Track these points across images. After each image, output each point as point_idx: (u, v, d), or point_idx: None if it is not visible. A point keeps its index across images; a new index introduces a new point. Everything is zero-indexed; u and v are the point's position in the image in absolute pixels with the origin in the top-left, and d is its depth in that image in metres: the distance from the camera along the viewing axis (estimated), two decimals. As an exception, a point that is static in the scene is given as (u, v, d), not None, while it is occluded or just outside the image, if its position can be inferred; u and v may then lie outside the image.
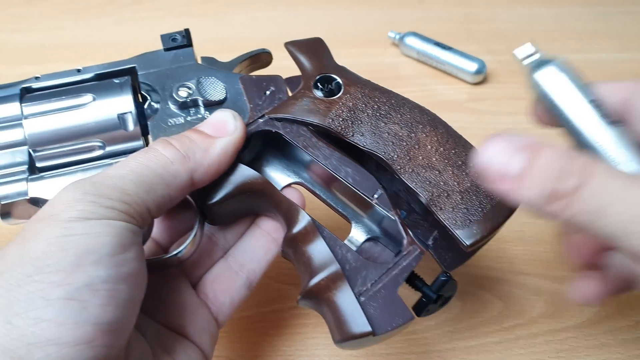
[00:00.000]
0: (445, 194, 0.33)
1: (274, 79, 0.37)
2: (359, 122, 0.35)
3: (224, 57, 0.72)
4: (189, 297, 0.35)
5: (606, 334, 0.45)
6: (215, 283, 0.37)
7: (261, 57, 0.40)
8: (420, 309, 0.33)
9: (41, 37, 0.76)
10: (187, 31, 0.38)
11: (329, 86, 0.37)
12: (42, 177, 0.33)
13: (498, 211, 0.33)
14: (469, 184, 0.33)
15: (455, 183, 0.33)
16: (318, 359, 0.43)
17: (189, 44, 0.37)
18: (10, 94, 0.34)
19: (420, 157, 0.34)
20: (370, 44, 0.75)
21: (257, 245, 0.38)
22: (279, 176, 0.36)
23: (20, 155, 0.33)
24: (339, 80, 0.37)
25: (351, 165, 0.35)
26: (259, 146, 0.36)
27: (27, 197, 0.32)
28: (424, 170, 0.34)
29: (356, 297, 0.30)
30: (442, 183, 0.33)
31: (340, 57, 0.73)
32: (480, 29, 0.77)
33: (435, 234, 0.36)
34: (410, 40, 0.71)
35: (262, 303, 0.46)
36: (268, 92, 0.36)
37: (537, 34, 0.76)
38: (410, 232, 0.33)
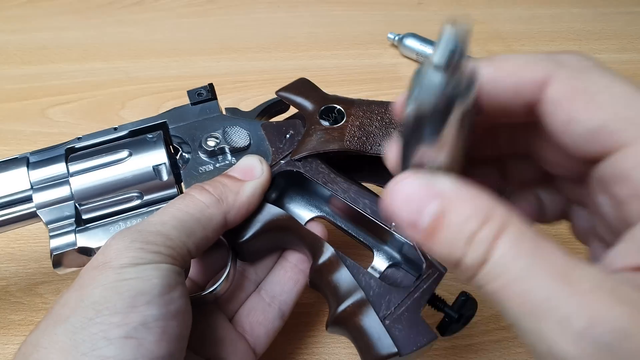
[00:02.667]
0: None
1: (292, 124, 0.40)
2: (372, 135, 0.38)
3: (224, 57, 0.73)
4: (227, 331, 0.38)
5: (604, 333, 0.45)
6: (251, 316, 0.39)
7: (278, 105, 0.44)
8: (444, 328, 0.34)
9: (42, 38, 0.76)
10: (211, 85, 0.41)
11: (333, 115, 0.40)
12: (87, 228, 0.36)
13: None
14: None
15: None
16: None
17: (213, 97, 0.41)
18: (57, 155, 0.38)
19: None
20: (369, 45, 0.75)
21: (286, 277, 0.40)
22: (302, 211, 0.39)
23: (68, 209, 0.36)
24: (339, 107, 0.40)
25: (369, 197, 0.37)
26: (282, 185, 0.39)
27: (76, 247, 0.35)
28: None
29: (381, 321, 0.32)
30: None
31: (340, 57, 0.74)
32: (478, 29, 0.77)
33: None
34: (410, 41, 0.71)
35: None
36: (288, 136, 0.39)
37: (536, 34, 0.76)
38: (428, 256, 0.34)
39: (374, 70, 0.71)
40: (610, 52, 0.72)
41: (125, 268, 0.29)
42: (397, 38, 0.72)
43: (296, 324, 0.45)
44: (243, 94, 0.67)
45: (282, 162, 0.38)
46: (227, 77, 0.69)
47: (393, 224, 0.35)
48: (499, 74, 0.24)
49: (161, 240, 0.30)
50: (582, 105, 0.22)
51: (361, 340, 0.33)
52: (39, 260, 0.50)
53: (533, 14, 0.79)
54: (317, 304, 0.47)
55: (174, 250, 0.31)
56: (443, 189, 0.21)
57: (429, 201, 0.21)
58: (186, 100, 0.41)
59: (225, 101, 0.50)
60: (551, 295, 0.18)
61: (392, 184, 0.23)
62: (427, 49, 0.70)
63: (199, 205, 0.33)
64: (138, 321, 0.27)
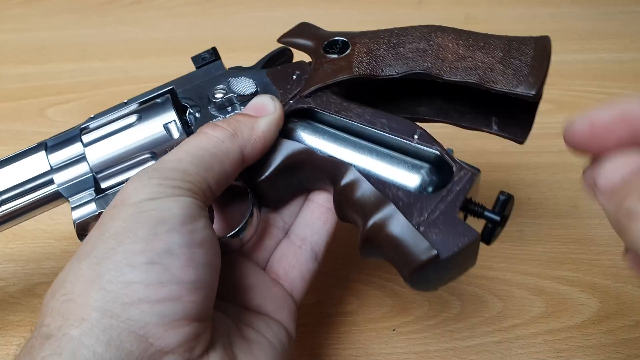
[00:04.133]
0: (489, 70, 0.34)
1: (298, 65, 0.40)
2: (381, 58, 0.37)
3: (224, 57, 0.73)
4: (261, 278, 0.37)
5: (606, 334, 0.45)
6: (283, 261, 0.38)
7: (282, 55, 0.43)
8: (489, 235, 0.32)
9: (41, 37, 0.76)
10: (214, 49, 0.42)
11: (338, 46, 0.39)
12: (106, 195, 0.37)
13: (539, 56, 0.35)
14: (501, 54, 0.35)
15: (490, 58, 0.35)
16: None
17: (217, 58, 0.41)
18: (72, 136, 0.39)
19: (450, 55, 0.36)
20: (370, 44, 0.75)
21: (314, 217, 0.39)
22: (319, 145, 0.37)
23: (87, 182, 0.37)
24: (342, 39, 0.39)
25: (385, 116, 0.36)
26: (295, 124, 0.38)
27: (97, 213, 0.36)
28: (459, 63, 0.35)
29: (415, 228, 0.30)
30: (480, 64, 0.35)
31: (340, 57, 0.74)
32: (480, 29, 0.77)
33: (495, 119, 0.38)
34: (410, 40, 0.71)
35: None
36: (294, 77, 0.39)
37: (536, 33, 0.76)
38: (458, 160, 0.33)
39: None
40: (612, 52, 0.72)
41: (144, 202, 0.28)
42: (397, 37, 0.72)
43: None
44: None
45: (292, 101, 0.37)
46: (227, 76, 0.69)
47: (416, 136, 0.34)
48: None
49: (179, 175, 0.30)
50: None
51: (396, 253, 0.30)
52: (38, 261, 0.50)
53: (534, 14, 0.79)
54: (318, 304, 0.46)
55: (193, 185, 0.30)
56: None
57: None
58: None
59: (229, 67, 0.49)
60: None
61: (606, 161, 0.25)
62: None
63: (213, 140, 0.32)
64: (161, 248, 0.27)
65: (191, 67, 0.76)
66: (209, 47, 0.79)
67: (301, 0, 0.82)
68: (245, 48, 0.75)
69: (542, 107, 0.68)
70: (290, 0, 0.82)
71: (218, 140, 0.32)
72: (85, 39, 0.76)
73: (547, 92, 0.74)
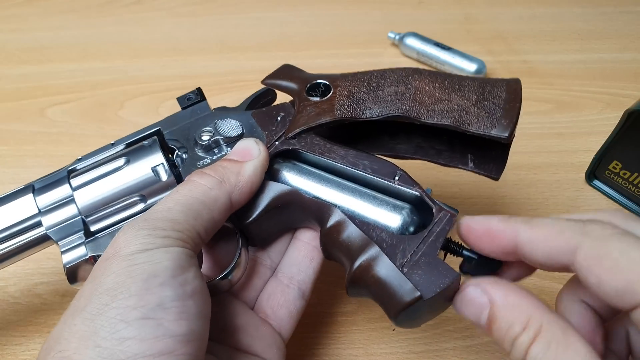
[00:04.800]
0: (464, 112, 0.36)
1: (282, 106, 0.41)
2: (362, 101, 0.38)
3: (224, 56, 0.73)
4: (249, 318, 0.38)
5: (606, 334, 0.45)
6: (271, 300, 0.39)
7: (266, 95, 0.44)
8: (470, 268, 0.33)
9: (41, 37, 0.76)
10: (199, 89, 0.42)
11: (320, 89, 0.40)
12: (96, 238, 0.37)
13: (511, 99, 0.36)
14: (475, 96, 0.36)
15: (465, 101, 0.36)
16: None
17: (202, 99, 0.42)
18: (59, 178, 0.38)
19: (427, 98, 0.37)
20: (370, 45, 0.75)
21: (301, 256, 0.40)
22: (304, 186, 0.38)
23: (76, 224, 0.37)
24: (324, 81, 0.40)
25: (367, 158, 0.37)
26: (280, 165, 0.39)
27: (87, 257, 0.36)
28: (435, 106, 0.36)
29: (399, 269, 0.31)
30: (455, 106, 0.36)
31: (340, 57, 0.74)
32: (480, 29, 0.77)
33: (470, 156, 0.39)
34: (410, 41, 0.71)
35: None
36: (279, 118, 0.40)
37: (537, 33, 0.76)
38: (437, 201, 0.34)
39: (374, 70, 0.71)
40: (612, 52, 0.72)
41: (136, 254, 0.29)
42: (397, 37, 0.72)
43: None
44: (242, 93, 0.66)
45: (277, 142, 0.38)
46: (227, 76, 0.69)
47: (397, 177, 0.36)
48: (535, 239, 0.29)
49: (169, 225, 0.30)
50: (607, 270, 0.25)
51: (382, 293, 0.32)
52: (38, 261, 0.50)
53: (534, 14, 0.79)
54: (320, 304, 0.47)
55: (182, 234, 0.31)
56: (494, 298, 0.28)
57: (484, 308, 0.28)
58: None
59: (224, 101, 0.50)
60: None
61: (463, 288, 0.30)
62: (427, 49, 0.69)
63: (201, 188, 0.33)
64: (154, 302, 0.27)
65: (191, 66, 0.77)
66: (209, 47, 0.80)
67: (301, 1, 0.82)
68: (245, 48, 0.75)
69: (542, 107, 0.68)
70: (290, 1, 0.82)
71: (206, 188, 0.33)
72: (85, 39, 0.76)
73: (547, 92, 0.74)
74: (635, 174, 0.51)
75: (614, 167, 0.53)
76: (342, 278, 0.40)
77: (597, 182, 0.55)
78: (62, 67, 0.71)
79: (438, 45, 0.69)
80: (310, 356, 0.44)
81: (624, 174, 0.52)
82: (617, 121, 0.49)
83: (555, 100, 0.65)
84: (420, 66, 0.71)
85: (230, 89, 0.66)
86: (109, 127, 0.63)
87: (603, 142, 0.52)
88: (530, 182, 0.56)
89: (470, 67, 0.66)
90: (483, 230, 0.31)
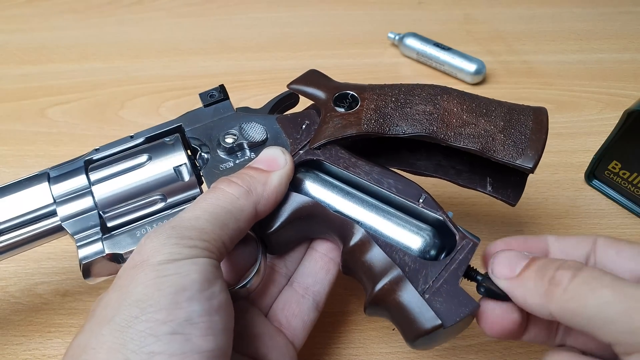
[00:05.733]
0: (491, 139, 0.36)
1: (307, 114, 0.40)
2: (389, 117, 0.38)
3: (224, 57, 0.73)
4: (264, 326, 0.38)
5: (605, 334, 0.45)
6: (286, 309, 0.39)
7: (288, 98, 0.44)
8: (491, 295, 0.34)
9: (42, 38, 0.76)
10: (222, 86, 0.42)
11: (347, 100, 0.39)
12: (113, 235, 0.36)
13: (537, 130, 0.36)
14: (502, 123, 0.36)
15: (492, 127, 0.36)
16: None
17: (225, 97, 0.41)
18: (76, 167, 0.38)
19: (454, 120, 0.37)
20: (370, 45, 0.75)
21: (317, 267, 0.40)
22: (327, 198, 0.38)
23: (92, 219, 0.36)
24: (352, 93, 0.40)
25: (393, 177, 0.37)
26: (304, 174, 0.38)
27: (104, 254, 0.35)
28: (462, 129, 0.36)
29: (421, 295, 0.32)
30: (482, 132, 0.36)
31: (340, 57, 0.74)
32: (479, 29, 0.77)
33: (490, 179, 0.39)
34: (410, 41, 0.71)
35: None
36: (304, 126, 0.39)
37: (537, 34, 0.76)
38: (460, 228, 0.34)
39: (374, 70, 0.71)
40: (611, 52, 0.72)
41: (164, 264, 0.29)
42: (397, 37, 0.72)
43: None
44: (243, 93, 0.67)
45: (301, 152, 0.38)
46: (227, 76, 0.69)
47: (421, 200, 0.36)
48: (563, 240, 0.33)
49: (196, 235, 0.30)
50: (627, 247, 0.30)
51: (402, 318, 0.32)
52: (38, 261, 0.50)
53: (534, 14, 0.79)
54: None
55: (209, 244, 0.31)
56: (532, 255, 0.31)
57: (523, 258, 0.30)
58: (184, 100, 0.41)
59: (236, 107, 0.50)
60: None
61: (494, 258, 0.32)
62: (427, 49, 0.70)
63: (229, 197, 0.33)
64: (183, 317, 0.27)
65: (191, 66, 0.77)
66: (209, 47, 0.80)
67: (301, 1, 0.82)
68: (245, 48, 0.75)
69: (542, 107, 0.67)
70: (291, 1, 0.82)
71: (233, 198, 0.33)
72: (86, 39, 0.76)
73: (547, 92, 0.74)
74: (635, 174, 0.51)
75: (613, 167, 0.53)
76: (342, 278, 0.41)
77: (596, 182, 0.55)
78: (62, 67, 0.71)
79: (438, 45, 0.69)
80: (310, 355, 0.44)
81: (624, 174, 0.52)
82: (617, 121, 0.49)
83: (555, 101, 0.65)
84: (420, 66, 0.71)
85: (230, 89, 0.65)
86: (109, 127, 0.63)
87: (602, 142, 0.52)
88: (530, 182, 0.55)
89: (469, 68, 0.66)
90: (519, 242, 0.33)
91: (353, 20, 0.79)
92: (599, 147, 0.53)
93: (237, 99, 0.66)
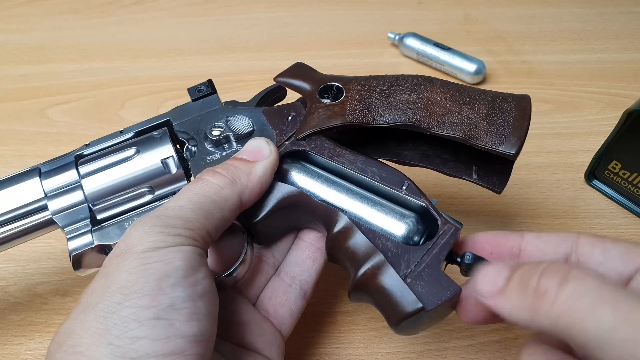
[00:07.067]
0: (473, 126, 0.36)
1: (293, 106, 0.41)
2: (373, 107, 0.38)
3: (224, 57, 0.73)
4: (252, 315, 0.38)
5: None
6: (273, 298, 0.40)
7: (276, 92, 0.44)
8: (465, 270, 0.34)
9: (42, 38, 0.76)
10: (209, 81, 0.42)
11: (332, 92, 0.40)
12: (102, 227, 0.37)
13: (520, 117, 0.36)
14: (485, 111, 0.37)
15: (475, 114, 0.37)
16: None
17: (213, 91, 0.42)
18: (66, 162, 0.38)
19: (437, 109, 0.37)
20: (370, 45, 0.75)
21: (304, 256, 0.40)
22: (312, 187, 0.38)
23: (82, 211, 0.37)
24: (337, 84, 0.40)
25: (376, 165, 0.37)
26: (289, 165, 0.39)
27: (94, 246, 0.36)
28: (446, 117, 0.37)
29: (402, 279, 0.32)
30: (465, 120, 0.36)
31: (340, 57, 0.74)
32: (479, 29, 0.77)
33: (475, 168, 0.40)
34: (410, 41, 0.71)
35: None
36: (290, 118, 0.40)
37: (536, 34, 0.76)
38: (442, 214, 0.35)
39: (374, 70, 0.71)
40: (611, 52, 0.72)
41: (148, 252, 0.29)
42: (397, 37, 0.72)
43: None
44: (243, 93, 0.66)
45: (287, 142, 0.38)
46: (227, 76, 0.69)
47: (404, 187, 0.36)
48: (538, 236, 0.32)
49: (180, 223, 0.31)
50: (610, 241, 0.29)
51: (384, 301, 0.33)
52: (38, 261, 0.50)
53: (533, 14, 0.79)
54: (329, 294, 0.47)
55: (194, 232, 0.31)
56: (513, 264, 0.28)
57: (504, 269, 0.28)
58: (184, 100, 0.42)
59: (224, 101, 0.50)
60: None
61: (477, 274, 0.29)
62: (427, 49, 0.70)
63: (213, 187, 0.33)
64: (166, 303, 0.28)
65: (192, 66, 0.77)
66: (209, 47, 0.80)
67: (301, 1, 0.82)
68: (245, 49, 0.75)
69: (542, 107, 0.68)
70: (291, 1, 0.82)
71: (218, 188, 0.33)
72: (86, 39, 0.76)
73: (547, 92, 0.74)
74: (635, 174, 0.51)
75: (613, 167, 0.53)
76: (342, 278, 0.41)
77: (596, 182, 0.55)
78: (62, 67, 0.71)
79: (438, 45, 0.69)
80: (310, 355, 0.44)
81: (624, 174, 0.52)
82: (617, 121, 0.49)
83: (555, 101, 0.65)
84: (420, 66, 0.71)
85: (230, 89, 0.66)
86: (109, 127, 0.63)
87: (602, 142, 0.52)
88: (530, 182, 0.56)
89: (469, 68, 0.66)
90: (491, 237, 0.33)
91: (353, 20, 0.79)
92: (599, 147, 0.53)
93: (237, 99, 0.66)
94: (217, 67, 0.71)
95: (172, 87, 0.68)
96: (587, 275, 0.24)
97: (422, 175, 0.46)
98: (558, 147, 0.60)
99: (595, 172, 0.55)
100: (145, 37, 0.76)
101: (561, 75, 0.69)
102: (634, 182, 0.52)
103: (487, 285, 0.28)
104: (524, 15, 0.79)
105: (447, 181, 0.56)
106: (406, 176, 0.37)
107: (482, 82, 0.68)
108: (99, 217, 0.37)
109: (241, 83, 0.68)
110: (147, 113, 0.65)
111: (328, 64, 0.71)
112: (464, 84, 0.39)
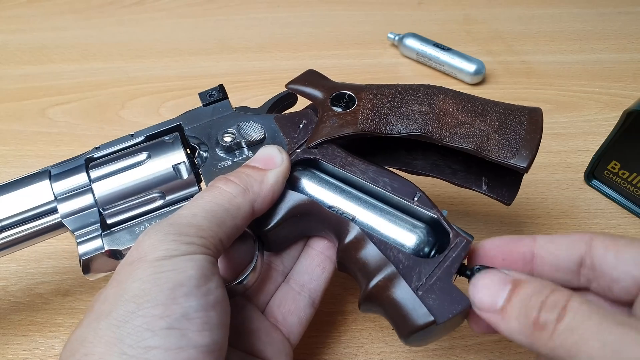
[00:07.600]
0: (485, 138, 0.36)
1: (304, 114, 0.41)
2: (385, 116, 0.38)
3: (224, 57, 0.73)
4: (261, 322, 0.38)
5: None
6: (282, 306, 0.39)
7: (286, 98, 0.44)
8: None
9: (42, 38, 0.76)
10: (221, 86, 0.42)
11: (344, 100, 0.40)
12: (112, 232, 0.37)
13: (532, 130, 0.36)
14: (497, 123, 0.37)
15: (487, 127, 0.36)
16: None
17: (224, 97, 0.42)
18: (77, 165, 0.38)
19: (450, 120, 0.37)
20: (369, 45, 0.75)
21: (313, 264, 0.40)
22: (323, 196, 0.38)
23: (92, 216, 0.37)
24: (349, 92, 0.40)
25: (388, 175, 0.37)
26: (301, 173, 0.39)
27: (104, 251, 0.36)
28: (458, 129, 0.37)
29: (414, 292, 0.32)
30: (477, 132, 0.36)
31: (340, 57, 0.74)
32: (479, 29, 0.77)
33: (485, 179, 0.39)
34: (410, 41, 0.71)
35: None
36: (301, 125, 0.40)
37: (536, 34, 0.76)
38: (454, 226, 0.35)
39: (374, 70, 0.71)
40: (611, 52, 0.72)
41: (161, 261, 0.29)
42: (397, 38, 0.72)
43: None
44: (243, 94, 0.67)
45: (299, 150, 0.38)
46: (227, 77, 0.69)
47: (416, 198, 0.36)
48: (551, 240, 0.32)
49: (193, 232, 0.31)
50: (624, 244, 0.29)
51: (395, 314, 0.33)
52: (39, 260, 0.50)
53: (533, 14, 0.79)
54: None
55: (206, 241, 0.31)
56: (514, 276, 0.28)
57: (500, 286, 0.28)
58: (185, 100, 0.42)
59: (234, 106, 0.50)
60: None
61: (475, 279, 0.30)
62: (427, 49, 0.70)
63: (226, 195, 0.33)
64: (179, 313, 0.28)
65: (192, 67, 0.77)
66: (209, 47, 0.80)
67: (301, 2, 0.82)
68: (245, 49, 0.75)
69: (541, 107, 0.68)
70: (291, 1, 0.82)
71: (230, 196, 0.33)
72: (86, 39, 0.76)
73: (546, 92, 0.74)
74: (634, 174, 0.51)
75: (612, 167, 0.53)
76: (342, 278, 0.41)
77: (596, 182, 0.55)
78: (63, 67, 0.71)
79: (437, 45, 0.69)
80: (310, 355, 0.44)
81: (623, 174, 0.52)
82: (616, 121, 0.49)
83: (554, 101, 0.66)
84: (420, 66, 0.71)
85: (230, 90, 0.66)
86: (109, 128, 0.63)
87: (602, 142, 0.52)
88: (529, 182, 0.56)
89: (469, 68, 0.66)
90: (502, 242, 0.33)
91: (353, 21, 0.79)
92: (599, 147, 0.53)
93: (238, 99, 0.66)
94: (217, 68, 0.71)
95: (172, 87, 0.68)
96: (584, 309, 0.25)
97: (421, 177, 0.46)
98: (557, 147, 0.60)
99: (594, 172, 0.55)
100: (146, 37, 0.76)
101: (560, 76, 0.69)
102: (634, 182, 0.52)
103: (486, 300, 0.28)
104: (524, 16, 0.79)
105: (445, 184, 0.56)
106: (418, 187, 0.37)
107: (482, 82, 0.68)
108: (109, 221, 0.37)
109: (241, 83, 0.68)
110: (148, 113, 0.65)
111: (328, 64, 0.71)
112: (476, 94, 0.39)
